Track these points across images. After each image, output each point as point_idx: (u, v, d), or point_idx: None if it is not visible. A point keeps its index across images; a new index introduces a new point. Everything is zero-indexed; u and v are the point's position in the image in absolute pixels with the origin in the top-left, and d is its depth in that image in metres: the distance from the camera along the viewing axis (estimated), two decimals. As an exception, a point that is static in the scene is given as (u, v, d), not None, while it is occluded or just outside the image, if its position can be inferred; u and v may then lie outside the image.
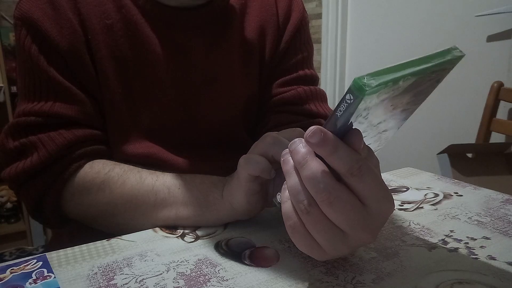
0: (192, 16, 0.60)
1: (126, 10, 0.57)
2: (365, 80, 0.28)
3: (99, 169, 0.54)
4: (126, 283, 0.38)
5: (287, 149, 0.35)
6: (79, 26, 0.55)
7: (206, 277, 0.38)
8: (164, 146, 0.60)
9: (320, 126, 0.32)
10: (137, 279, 0.38)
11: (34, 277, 0.39)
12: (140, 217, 0.51)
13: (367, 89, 0.28)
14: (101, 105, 0.58)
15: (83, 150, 0.55)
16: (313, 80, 0.70)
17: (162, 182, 0.51)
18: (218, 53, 0.62)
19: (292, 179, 0.34)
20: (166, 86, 0.59)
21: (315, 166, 0.32)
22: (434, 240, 0.44)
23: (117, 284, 0.38)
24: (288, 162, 0.35)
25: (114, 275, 0.39)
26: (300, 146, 0.33)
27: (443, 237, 0.45)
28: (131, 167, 0.54)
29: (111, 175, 0.52)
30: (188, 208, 0.48)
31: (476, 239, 0.44)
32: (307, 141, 0.32)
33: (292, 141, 0.34)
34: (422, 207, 0.53)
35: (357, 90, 0.28)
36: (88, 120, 0.56)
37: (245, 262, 0.41)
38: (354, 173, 0.31)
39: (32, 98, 0.55)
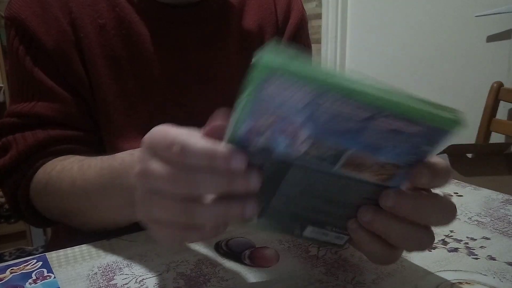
0: (187, 14, 0.59)
1: (120, 8, 0.57)
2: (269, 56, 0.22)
3: (45, 169, 0.52)
4: (126, 283, 0.38)
5: None
6: (68, 26, 0.55)
7: (206, 277, 0.38)
8: None
9: None
10: (137, 279, 0.38)
11: (34, 277, 0.39)
12: (93, 218, 0.48)
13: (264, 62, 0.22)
14: (94, 105, 0.57)
15: (53, 149, 0.54)
16: None
17: (83, 183, 0.46)
18: (214, 52, 0.62)
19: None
20: (162, 84, 0.59)
21: None
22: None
23: (117, 284, 0.38)
24: None
25: (114, 275, 0.39)
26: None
27: (443, 237, 0.45)
28: (71, 160, 0.50)
29: (51, 176, 0.51)
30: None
31: (476, 239, 0.44)
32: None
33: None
34: (422, 207, 0.53)
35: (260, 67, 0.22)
36: (68, 119, 0.56)
37: (245, 262, 0.41)
38: None
39: (20, 99, 0.55)
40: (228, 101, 0.71)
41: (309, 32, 0.73)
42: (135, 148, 0.58)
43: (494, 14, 1.45)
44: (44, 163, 0.53)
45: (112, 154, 0.57)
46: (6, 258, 1.97)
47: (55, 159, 0.54)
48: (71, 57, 0.55)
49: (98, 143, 0.59)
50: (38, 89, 0.55)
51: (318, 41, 2.21)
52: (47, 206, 0.54)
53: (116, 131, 0.58)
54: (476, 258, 0.40)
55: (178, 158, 0.28)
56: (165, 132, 0.29)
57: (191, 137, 0.28)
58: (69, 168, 0.49)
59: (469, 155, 1.40)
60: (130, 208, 0.38)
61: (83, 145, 0.57)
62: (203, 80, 0.61)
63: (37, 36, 0.54)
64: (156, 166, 0.28)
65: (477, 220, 0.49)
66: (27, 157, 0.54)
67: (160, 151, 0.29)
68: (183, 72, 0.60)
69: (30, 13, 0.54)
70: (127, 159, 0.41)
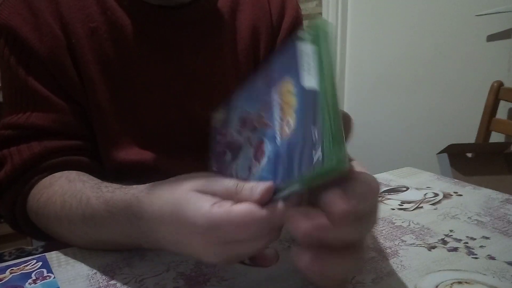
0: (179, 15, 0.58)
1: (111, 12, 0.55)
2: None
3: (34, 196, 0.51)
4: (126, 283, 0.38)
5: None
6: (60, 31, 0.53)
7: (206, 277, 0.38)
8: (156, 151, 0.58)
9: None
10: (137, 279, 0.38)
11: (33, 277, 0.39)
12: (91, 248, 0.47)
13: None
14: (88, 111, 0.56)
15: (49, 163, 0.52)
16: None
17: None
18: (208, 53, 0.60)
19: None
20: (155, 88, 0.58)
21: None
22: (433, 239, 0.44)
23: (117, 284, 0.38)
24: None
25: (114, 275, 0.39)
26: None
27: (443, 237, 0.45)
28: (55, 190, 0.49)
29: (39, 206, 0.50)
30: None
31: (475, 239, 0.44)
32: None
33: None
34: (421, 207, 0.53)
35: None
36: (65, 129, 0.54)
37: (245, 262, 0.41)
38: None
39: (14, 109, 0.54)
40: (224, 101, 0.69)
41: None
42: (130, 156, 0.56)
43: (494, 13, 1.45)
44: (40, 180, 0.52)
45: (108, 164, 0.56)
46: (6, 258, 1.97)
47: (41, 182, 0.52)
48: (65, 63, 0.53)
49: (95, 151, 0.57)
50: (33, 99, 0.53)
51: (318, 41, 2.21)
52: (44, 229, 0.52)
53: (110, 138, 0.56)
54: (476, 258, 0.40)
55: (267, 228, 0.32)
56: (228, 217, 0.31)
57: (264, 211, 0.31)
58: (53, 202, 0.47)
59: (469, 155, 1.40)
60: (127, 242, 0.42)
61: (80, 155, 0.55)
62: (198, 82, 0.60)
63: (29, 44, 0.52)
64: (242, 247, 0.33)
65: (476, 220, 0.49)
66: (22, 172, 0.52)
67: (236, 235, 0.32)
68: (176, 74, 0.59)
69: (21, 20, 0.52)
70: (108, 218, 0.40)
